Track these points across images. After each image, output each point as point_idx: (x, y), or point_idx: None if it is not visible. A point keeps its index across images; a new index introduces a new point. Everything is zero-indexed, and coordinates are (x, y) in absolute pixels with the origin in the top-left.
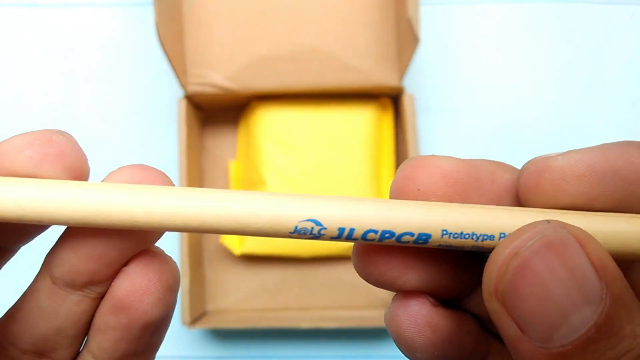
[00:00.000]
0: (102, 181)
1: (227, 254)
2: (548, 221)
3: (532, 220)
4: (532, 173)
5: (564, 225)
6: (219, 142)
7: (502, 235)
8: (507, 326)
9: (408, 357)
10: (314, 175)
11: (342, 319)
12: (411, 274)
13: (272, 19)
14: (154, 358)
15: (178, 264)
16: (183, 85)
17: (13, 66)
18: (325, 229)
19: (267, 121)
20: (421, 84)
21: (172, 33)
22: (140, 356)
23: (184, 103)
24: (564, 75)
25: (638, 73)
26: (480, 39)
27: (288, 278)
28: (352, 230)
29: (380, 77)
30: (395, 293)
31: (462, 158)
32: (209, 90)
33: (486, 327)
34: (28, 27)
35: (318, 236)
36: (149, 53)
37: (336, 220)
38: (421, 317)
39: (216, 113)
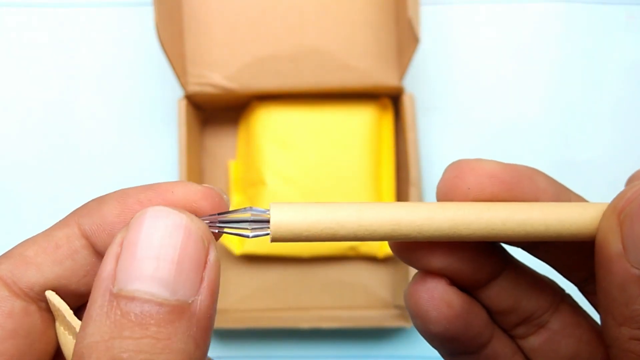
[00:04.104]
0: None
1: (227, 254)
2: None
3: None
4: None
5: None
6: (219, 142)
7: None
8: (612, 242)
9: (422, 331)
10: (314, 175)
11: (341, 319)
12: (436, 257)
13: (272, 19)
14: None
15: None
16: (183, 85)
17: (13, 66)
18: None
19: (267, 121)
20: (421, 84)
21: (172, 33)
22: None
23: (184, 103)
24: (563, 75)
25: (637, 73)
26: (480, 39)
27: (288, 278)
28: None
29: (380, 77)
30: (415, 273)
31: (504, 162)
32: (209, 90)
33: (493, 318)
34: (28, 27)
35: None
36: (149, 53)
37: None
38: (437, 292)
39: (216, 113)
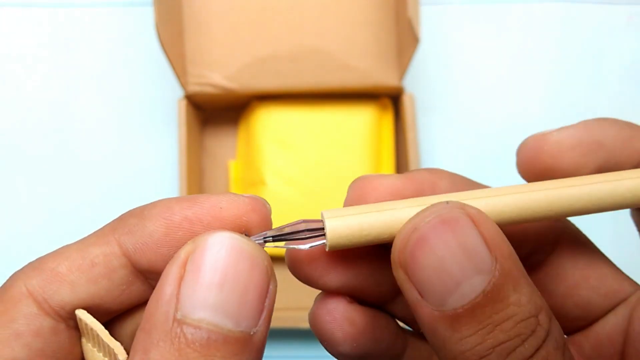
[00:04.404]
0: None
1: None
2: (447, 202)
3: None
4: (531, 147)
5: (461, 206)
6: (219, 142)
7: None
8: (409, 292)
9: (333, 354)
10: (314, 175)
11: None
12: (332, 275)
13: (272, 19)
14: None
15: None
16: (183, 85)
17: (13, 66)
18: None
19: (267, 121)
20: (421, 84)
21: (172, 33)
22: None
23: (184, 103)
24: (563, 75)
25: (637, 73)
26: (480, 39)
27: (288, 278)
28: None
29: (380, 77)
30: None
31: (404, 174)
32: (209, 90)
33: (412, 327)
34: (28, 27)
35: None
36: (149, 53)
37: None
38: (338, 312)
39: (216, 113)
